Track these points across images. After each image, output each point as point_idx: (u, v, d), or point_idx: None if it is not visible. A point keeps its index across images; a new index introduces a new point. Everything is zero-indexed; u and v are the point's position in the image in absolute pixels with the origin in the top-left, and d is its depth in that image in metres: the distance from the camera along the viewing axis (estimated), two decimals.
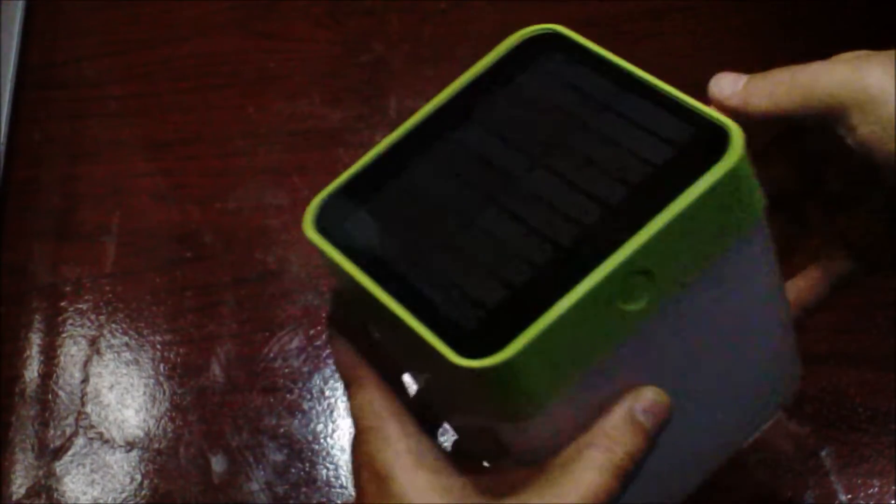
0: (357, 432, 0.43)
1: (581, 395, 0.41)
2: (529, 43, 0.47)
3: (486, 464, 0.45)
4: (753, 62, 0.76)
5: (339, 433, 0.67)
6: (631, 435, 0.42)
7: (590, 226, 0.40)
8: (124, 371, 0.70)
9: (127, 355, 0.70)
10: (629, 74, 0.44)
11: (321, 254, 0.44)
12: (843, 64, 0.47)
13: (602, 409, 0.42)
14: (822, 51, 0.77)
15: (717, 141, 0.40)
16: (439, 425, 0.47)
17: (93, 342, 0.71)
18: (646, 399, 0.42)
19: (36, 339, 0.71)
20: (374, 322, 0.45)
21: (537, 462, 0.42)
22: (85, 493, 0.67)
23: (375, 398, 0.43)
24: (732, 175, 0.40)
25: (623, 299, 0.40)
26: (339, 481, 0.66)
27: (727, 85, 0.48)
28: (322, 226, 0.44)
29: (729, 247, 0.42)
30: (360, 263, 0.42)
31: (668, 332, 0.42)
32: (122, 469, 0.67)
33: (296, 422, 0.68)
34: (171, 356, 0.70)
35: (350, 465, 0.66)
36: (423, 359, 0.42)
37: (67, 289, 0.72)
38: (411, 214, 0.43)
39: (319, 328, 0.70)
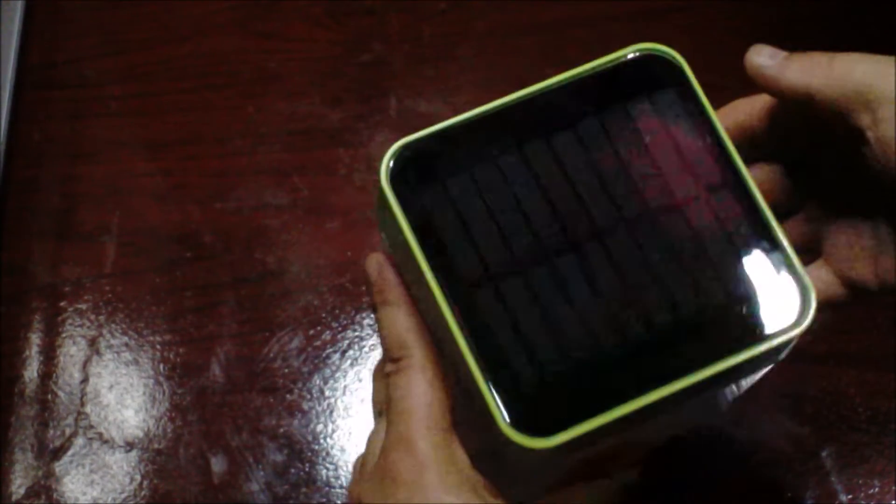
0: (393, 412, 0.44)
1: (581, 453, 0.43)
2: (647, 62, 0.45)
3: None
4: None
5: (339, 433, 0.67)
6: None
7: (663, 333, 0.41)
8: (124, 371, 0.70)
9: (126, 355, 0.70)
10: (733, 162, 0.44)
11: (382, 207, 0.42)
12: (884, 58, 0.45)
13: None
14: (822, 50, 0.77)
15: (797, 295, 0.42)
16: None
17: (92, 342, 0.71)
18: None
19: (35, 339, 0.71)
20: (417, 297, 0.45)
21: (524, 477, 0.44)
22: (84, 494, 0.67)
23: (419, 380, 0.44)
24: (806, 332, 0.42)
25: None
26: (339, 481, 0.66)
27: (767, 56, 0.47)
28: (395, 179, 0.42)
29: (762, 368, 0.45)
30: (422, 237, 0.41)
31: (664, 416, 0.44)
32: (121, 469, 0.67)
33: (296, 422, 0.68)
34: (171, 356, 0.70)
35: (350, 465, 0.66)
36: (454, 366, 0.42)
37: (67, 289, 0.72)
38: (490, 212, 0.42)
39: (319, 328, 0.70)
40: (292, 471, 0.66)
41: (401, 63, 0.77)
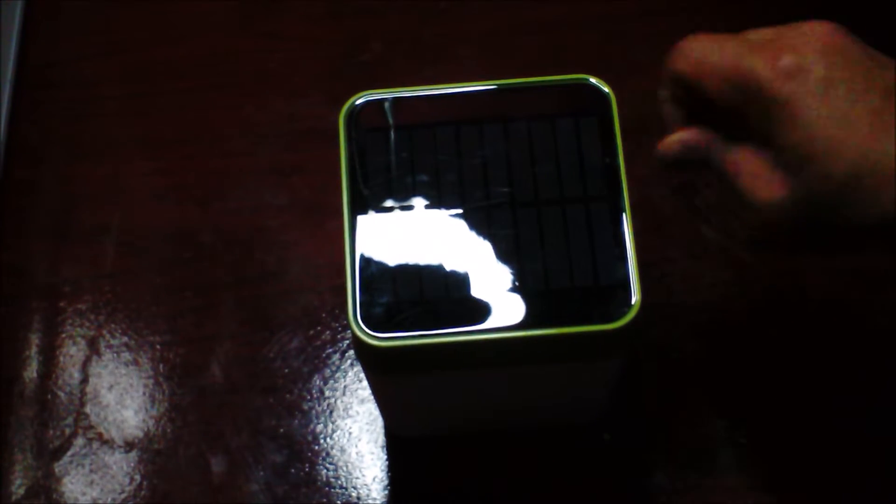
0: None
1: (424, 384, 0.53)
2: (584, 89, 0.53)
3: None
4: None
5: (339, 433, 0.67)
6: None
7: (497, 297, 0.49)
8: (123, 371, 0.70)
9: (126, 355, 0.70)
10: (620, 185, 0.50)
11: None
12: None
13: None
14: None
15: (621, 303, 0.49)
16: None
17: (92, 342, 0.70)
18: None
19: (35, 340, 0.71)
20: None
21: None
22: (84, 494, 0.67)
23: None
24: (630, 326, 0.48)
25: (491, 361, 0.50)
26: (339, 481, 0.66)
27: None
28: (349, 119, 0.53)
29: (594, 360, 0.52)
30: (352, 166, 0.52)
31: (507, 380, 0.53)
32: (121, 469, 0.67)
33: (295, 422, 0.68)
34: (171, 356, 0.70)
35: (350, 465, 0.66)
36: None
37: (66, 289, 0.72)
38: (411, 165, 0.51)
39: (319, 328, 0.70)
40: (292, 471, 0.66)
41: (401, 63, 0.77)
